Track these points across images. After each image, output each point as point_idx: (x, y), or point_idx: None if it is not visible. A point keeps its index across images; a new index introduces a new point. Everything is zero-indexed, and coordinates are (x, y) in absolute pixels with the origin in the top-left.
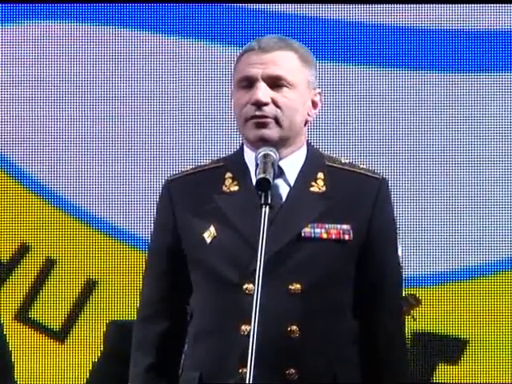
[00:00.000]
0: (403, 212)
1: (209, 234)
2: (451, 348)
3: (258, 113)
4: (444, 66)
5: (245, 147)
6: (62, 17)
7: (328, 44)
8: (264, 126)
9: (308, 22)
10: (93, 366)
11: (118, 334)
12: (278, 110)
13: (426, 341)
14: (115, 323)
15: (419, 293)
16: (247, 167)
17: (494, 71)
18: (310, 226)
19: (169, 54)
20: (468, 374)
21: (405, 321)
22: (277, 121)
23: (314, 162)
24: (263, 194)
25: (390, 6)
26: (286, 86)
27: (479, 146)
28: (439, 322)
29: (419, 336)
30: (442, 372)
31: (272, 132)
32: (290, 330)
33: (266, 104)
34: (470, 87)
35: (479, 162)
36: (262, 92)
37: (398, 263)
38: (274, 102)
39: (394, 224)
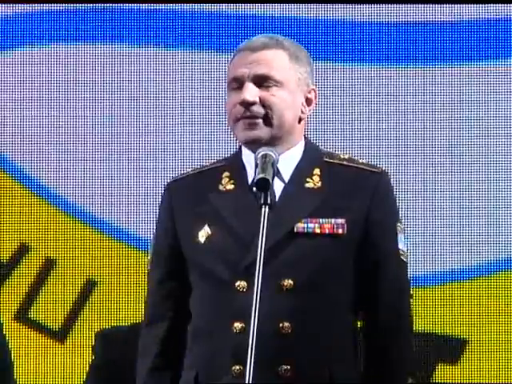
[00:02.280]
0: (402, 212)
1: (203, 234)
2: (451, 348)
3: (246, 113)
4: (437, 58)
5: (243, 147)
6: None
7: (324, 44)
8: (253, 126)
9: (303, 23)
10: (88, 372)
11: (105, 343)
12: (267, 110)
13: (426, 341)
14: (102, 333)
15: (419, 293)
16: (244, 167)
17: (490, 61)
18: (303, 221)
19: (170, 60)
20: (468, 374)
21: (411, 317)
22: (266, 120)
23: (311, 158)
24: (262, 194)
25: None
26: (274, 84)
27: (479, 146)
28: (439, 322)
29: (419, 336)
30: (442, 372)
31: (262, 132)
32: (282, 326)
33: (253, 104)
34: (472, 79)
35: (478, 162)
36: (249, 92)
37: (400, 257)
38: (262, 102)
39: (395, 218)
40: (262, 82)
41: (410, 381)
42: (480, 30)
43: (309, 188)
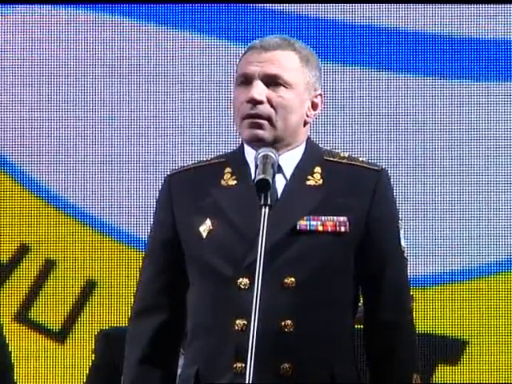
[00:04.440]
0: (403, 212)
1: (205, 228)
2: (451, 348)
3: (252, 111)
4: (445, 72)
5: (245, 144)
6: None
7: (329, 45)
8: (258, 126)
9: (310, 22)
10: (88, 372)
11: (105, 344)
12: (272, 110)
13: (426, 341)
14: (102, 333)
15: (419, 293)
16: (247, 163)
17: (494, 80)
18: (305, 218)
19: (173, 49)
20: (468, 374)
21: (412, 314)
22: (270, 121)
23: (312, 156)
24: (263, 195)
25: (393, 6)
26: (283, 85)
27: (479, 148)
28: (439, 322)
29: (419, 336)
30: (442, 372)
31: (265, 133)
32: (285, 324)
33: (260, 102)
34: (475, 91)
35: (478, 163)
36: (258, 90)
37: (401, 254)
38: (269, 102)
39: (396, 215)
40: (271, 81)
41: (414, 378)
42: (487, 49)
43: (310, 185)
